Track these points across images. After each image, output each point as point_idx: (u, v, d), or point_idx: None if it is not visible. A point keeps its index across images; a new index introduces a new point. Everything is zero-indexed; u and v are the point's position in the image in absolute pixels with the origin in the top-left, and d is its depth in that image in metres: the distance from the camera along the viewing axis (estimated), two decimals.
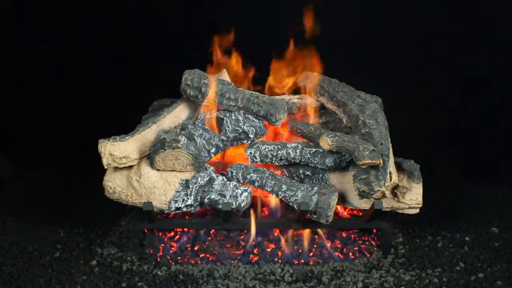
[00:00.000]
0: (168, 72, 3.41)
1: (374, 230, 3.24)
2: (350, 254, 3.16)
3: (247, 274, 3.04)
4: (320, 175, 3.15)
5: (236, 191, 3.04)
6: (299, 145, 3.15)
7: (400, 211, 3.14)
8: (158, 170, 3.05)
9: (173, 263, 3.11)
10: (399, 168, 3.13)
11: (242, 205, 3.03)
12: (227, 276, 3.03)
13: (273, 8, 3.81)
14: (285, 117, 3.20)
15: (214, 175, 3.08)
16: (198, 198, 3.05)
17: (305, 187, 3.07)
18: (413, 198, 3.09)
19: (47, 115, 4.01)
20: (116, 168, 3.08)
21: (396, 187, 3.09)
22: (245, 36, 3.36)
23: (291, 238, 3.16)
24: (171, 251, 3.15)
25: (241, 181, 3.10)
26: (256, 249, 3.14)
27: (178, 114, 3.22)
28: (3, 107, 3.98)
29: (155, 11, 3.90)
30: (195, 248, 3.15)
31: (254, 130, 3.15)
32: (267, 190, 3.09)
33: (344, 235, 3.22)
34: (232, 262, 3.10)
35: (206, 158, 3.08)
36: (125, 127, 3.20)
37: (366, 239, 3.23)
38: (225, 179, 3.08)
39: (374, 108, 3.17)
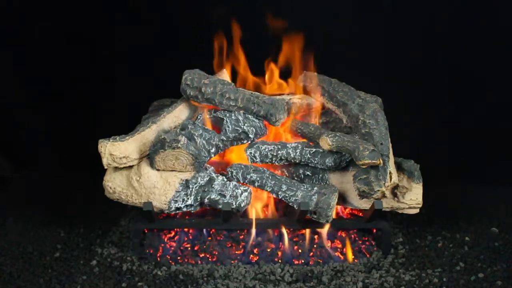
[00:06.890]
0: (168, 72, 3.41)
1: (374, 230, 3.24)
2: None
3: (247, 274, 3.03)
4: (320, 175, 3.15)
5: (236, 191, 3.04)
6: (299, 145, 3.14)
7: (400, 211, 3.14)
8: (158, 170, 3.05)
9: (173, 263, 3.11)
10: (399, 168, 3.13)
11: (242, 205, 3.03)
12: (227, 276, 3.03)
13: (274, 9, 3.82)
14: (285, 117, 3.20)
15: (214, 175, 3.08)
16: (198, 198, 3.05)
17: (305, 187, 3.07)
18: (413, 198, 3.09)
19: (47, 115, 4.01)
20: (116, 168, 3.08)
21: (396, 187, 3.09)
22: (245, 35, 3.37)
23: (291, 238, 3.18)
24: (171, 251, 3.15)
25: (241, 181, 3.09)
26: (256, 249, 3.14)
27: (178, 114, 3.22)
28: (3, 107, 3.98)
29: (155, 11, 3.90)
30: (195, 248, 3.15)
31: (254, 130, 3.15)
32: (267, 190, 3.09)
33: (344, 235, 3.22)
34: (232, 262, 3.10)
35: (206, 158, 3.07)
36: (125, 127, 3.20)
37: (366, 239, 3.23)
38: (225, 179, 3.08)
39: (374, 108, 3.17)
